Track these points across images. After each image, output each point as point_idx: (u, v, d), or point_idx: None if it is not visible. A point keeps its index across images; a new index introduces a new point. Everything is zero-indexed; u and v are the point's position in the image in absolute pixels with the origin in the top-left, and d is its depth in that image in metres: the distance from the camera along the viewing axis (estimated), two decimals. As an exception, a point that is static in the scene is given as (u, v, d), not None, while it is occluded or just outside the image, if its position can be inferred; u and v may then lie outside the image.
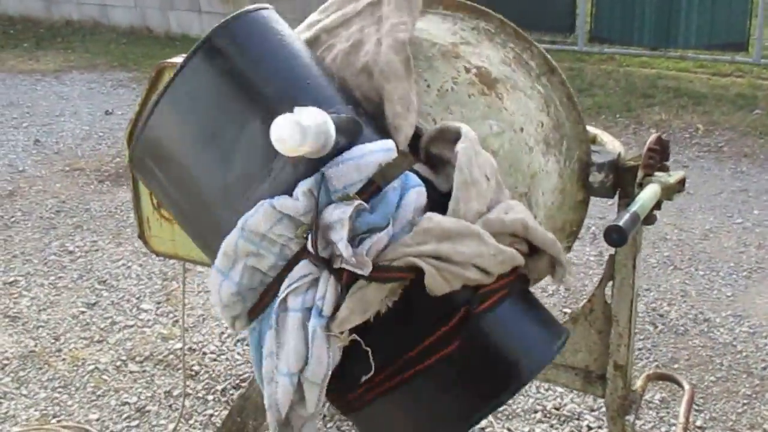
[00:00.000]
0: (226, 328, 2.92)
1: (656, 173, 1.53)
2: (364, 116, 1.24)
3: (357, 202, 1.10)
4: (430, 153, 1.26)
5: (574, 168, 1.58)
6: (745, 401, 2.53)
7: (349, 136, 1.15)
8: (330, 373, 1.13)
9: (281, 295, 1.13)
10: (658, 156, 1.55)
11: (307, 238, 1.12)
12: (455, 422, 1.14)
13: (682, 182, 1.57)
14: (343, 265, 1.09)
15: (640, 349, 2.83)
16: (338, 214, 1.09)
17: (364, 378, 1.12)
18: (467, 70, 1.44)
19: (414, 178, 1.16)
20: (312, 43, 1.44)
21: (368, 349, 1.11)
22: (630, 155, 1.65)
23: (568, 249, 1.65)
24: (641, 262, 3.45)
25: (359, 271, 1.08)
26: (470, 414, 1.14)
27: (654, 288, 3.28)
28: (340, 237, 1.08)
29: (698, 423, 2.43)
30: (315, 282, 1.12)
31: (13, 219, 3.94)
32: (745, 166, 4.75)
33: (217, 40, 1.17)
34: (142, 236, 1.94)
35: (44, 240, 3.70)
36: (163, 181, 1.27)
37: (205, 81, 1.18)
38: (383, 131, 1.23)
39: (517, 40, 1.55)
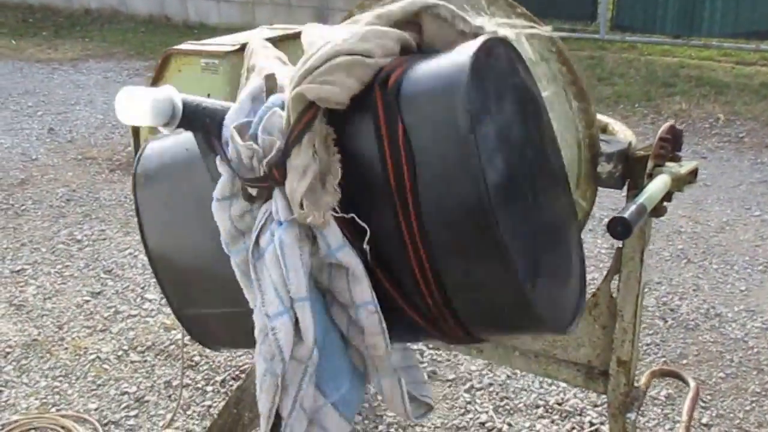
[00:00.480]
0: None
1: (667, 164, 1.49)
2: None
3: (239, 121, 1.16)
4: None
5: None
6: (753, 399, 2.49)
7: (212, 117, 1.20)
8: (306, 280, 1.10)
9: (251, 240, 1.14)
10: (670, 146, 1.50)
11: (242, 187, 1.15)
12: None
13: (694, 173, 1.52)
14: (264, 165, 1.10)
15: (648, 344, 2.79)
16: (226, 135, 1.14)
17: (365, 245, 1.08)
18: None
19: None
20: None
21: (352, 215, 1.08)
22: (642, 145, 1.60)
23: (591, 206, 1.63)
24: (650, 255, 3.40)
25: (274, 152, 1.09)
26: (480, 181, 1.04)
27: (666, 282, 3.23)
28: (243, 147, 1.11)
29: (704, 420, 2.39)
30: (270, 216, 1.13)
31: (23, 207, 3.99)
32: (766, 157, 4.66)
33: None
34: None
35: (53, 228, 3.74)
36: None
37: (155, 198, 1.35)
38: None
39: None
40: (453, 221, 1.03)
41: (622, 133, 1.66)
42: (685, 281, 3.23)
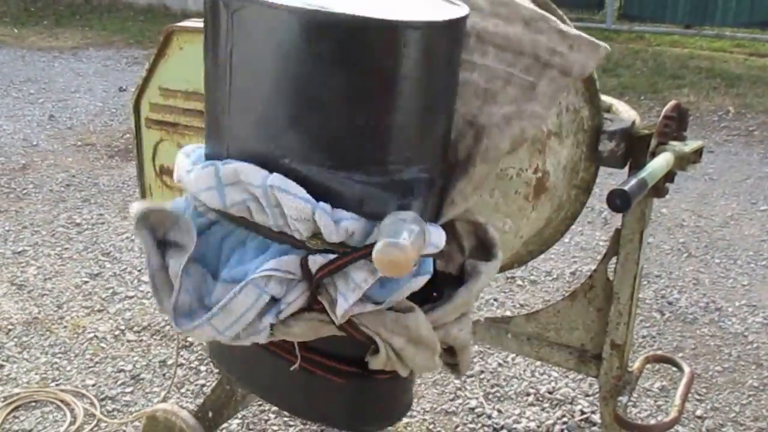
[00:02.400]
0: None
1: (671, 142, 1.47)
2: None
3: (380, 275, 1.04)
4: (448, 224, 1.19)
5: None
6: (751, 393, 2.50)
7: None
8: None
9: (259, 271, 1.07)
10: (675, 124, 1.49)
11: (318, 240, 1.06)
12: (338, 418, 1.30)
13: (698, 152, 1.50)
14: (323, 302, 1.08)
15: (644, 337, 2.83)
16: (363, 277, 1.05)
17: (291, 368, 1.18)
18: (534, 171, 1.40)
19: (429, 266, 1.11)
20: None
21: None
22: (645, 124, 1.58)
23: (582, 206, 1.65)
24: (650, 247, 3.45)
25: (333, 316, 1.07)
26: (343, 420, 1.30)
27: (665, 275, 3.27)
28: (347, 296, 1.05)
29: (698, 412, 2.41)
30: (291, 282, 1.08)
31: (25, 191, 4.11)
32: (776, 151, 4.70)
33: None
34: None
35: (53, 212, 3.85)
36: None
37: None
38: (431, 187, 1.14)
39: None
40: None
41: (625, 112, 1.64)
42: (685, 275, 3.27)
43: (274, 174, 1.04)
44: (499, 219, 1.37)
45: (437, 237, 1.10)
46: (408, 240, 0.95)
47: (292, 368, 1.18)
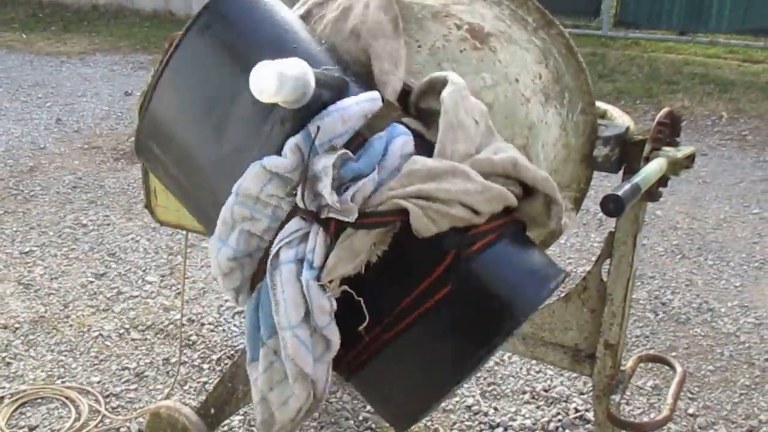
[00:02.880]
0: (225, 300, 3.03)
1: (664, 148, 1.49)
2: (353, 77, 1.25)
3: (342, 151, 1.12)
4: (420, 108, 1.27)
5: (577, 120, 1.53)
6: (742, 391, 2.51)
7: (333, 91, 1.16)
8: (333, 321, 1.14)
9: (273, 250, 1.14)
10: (668, 130, 1.51)
11: (296, 195, 1.13)
12: (451, 370, 1.14)
13: (691, 158, 1.53)
14: (330, 214, 1.10)
15: (637, 336, 2.83)
16: (324, 163, 1.10)
17: (360, 329, 1.14)
18: (458, 27, 1.43)
19: (401, 128, 1.17)
20: (305, 18, 1.46)
21: (360, 299, 1.12)
22: (639, 130, 1.59)
23: (578, 203, 1.63)
24: (644, 249, 3.45)
25: (345, 219, 1.09)
26: (465, 359, 1.14)
27: (659, 276, 3.27)
28: (324, 186, 1.09)
29: (690, 411, 2.41)
30: (306, 236, 1.13)
31: (32, 193, 4.12)
32: (769, 155, 4.69)
33: (207, 17, 1.23)
34: (148, 206, 1.99)
35: (60, 213, 3.86)
36: (165, 162, 1.33)
37: (199, 55, 1.23)
38: (372, 89, 1.24)
39: None
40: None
41: (620, 118, 1.65)
42: (678, 276, 3.27)
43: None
44: (473, 79, 1.36)
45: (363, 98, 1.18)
46: (275, 69, 1.06)
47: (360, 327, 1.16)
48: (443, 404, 2.44)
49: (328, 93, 1.16)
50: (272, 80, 1.06)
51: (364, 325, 1.13)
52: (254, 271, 1.22)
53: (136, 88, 5.96)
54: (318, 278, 1.12)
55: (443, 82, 1.23)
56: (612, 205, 1.19)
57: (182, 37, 1.23)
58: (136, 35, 7.87)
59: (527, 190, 1.24)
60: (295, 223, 1.15)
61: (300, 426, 1.25)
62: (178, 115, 1.27)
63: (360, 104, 1.17)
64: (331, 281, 1.13)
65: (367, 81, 1.28)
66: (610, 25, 7.09)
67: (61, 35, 8.03)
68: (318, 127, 1.14)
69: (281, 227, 1.16)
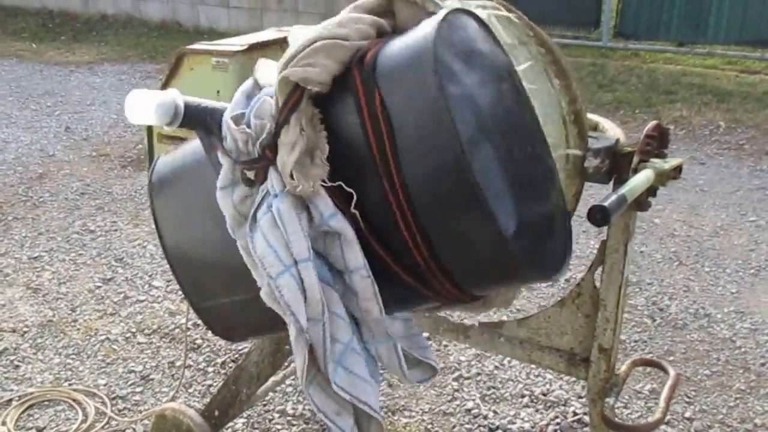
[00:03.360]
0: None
1: (652, 159, 1.52)
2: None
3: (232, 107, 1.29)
4: None
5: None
6: (738, 396, 2.52)
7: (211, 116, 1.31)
8: (306, 242, 1.17)
9: (249, 216, 1.22)
10: (656, 143, 1.53)
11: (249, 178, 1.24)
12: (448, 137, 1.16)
13: (678, 169, 1.55)
14: (257, 145, 1.21)
15: (635, 341, 2.84)
16: (224, 128, 1.25)
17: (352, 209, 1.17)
18: None
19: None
20: None
21: (337, 183, 1.17)
22: (629, 142, 1.62)
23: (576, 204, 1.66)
24: (642, 256, 3.47)
25: (265, 134, 1.19)
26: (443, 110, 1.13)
27: (656, 282, 3.28)
28: (234, 136, 1.23)
29: (687, 414, 2.42)
30: (267, 194, 1.21)
31: (41, 199, 4.14)
32: (766, 164, 4.68)
33: (153, 185, 1.47)
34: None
35: (68, 219, 3.89)
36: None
37: (170, 203, 1.44)
38: None
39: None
40: (432, 175, 1.09)
41: (611, 130, 1.68)
42: (675, 282, 3.27)
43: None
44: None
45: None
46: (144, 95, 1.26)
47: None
48: (443, 408, 2.45)
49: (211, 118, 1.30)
50: (149, 107, 1.24)
51: (353, 203, 1.15)
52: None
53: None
54: (284, 195, 1.18)
55: None
56: (599, 215, 1.22)
57: (150, 199, 1.47)
58: (144, 45, 7.92)
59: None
60: (259, 193, 1.23)
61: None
62: (187, 236, 1.43)
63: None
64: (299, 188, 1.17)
65: None
66: (609, 36, 7.11)
67: (71, 45, 8.08)
68: (217, 125, 1.28)
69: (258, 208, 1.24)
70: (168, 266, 1.46)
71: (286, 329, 1.23)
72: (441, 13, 1.18)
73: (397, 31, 1.29)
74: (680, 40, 6.85)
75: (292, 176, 1.16)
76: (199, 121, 1.29)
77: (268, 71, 1.43)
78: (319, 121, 1.18)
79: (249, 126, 1.23)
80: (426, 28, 1.16)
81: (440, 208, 1.11)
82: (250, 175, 1.24)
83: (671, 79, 6.27)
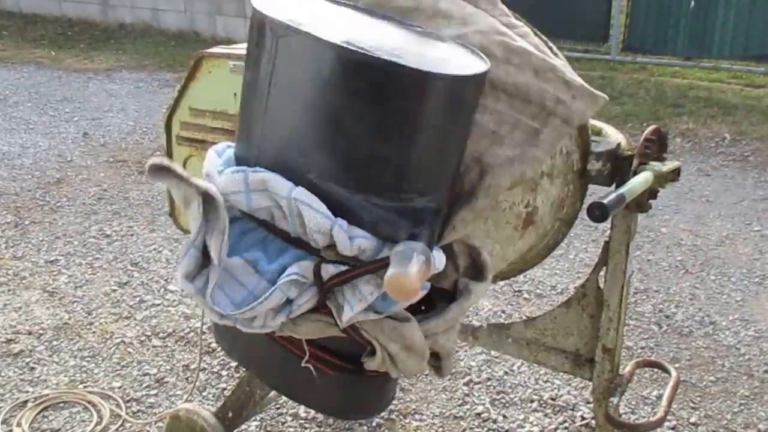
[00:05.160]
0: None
1: (651, 162, 1.55)
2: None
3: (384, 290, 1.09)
4: (446, 245, 1.26)
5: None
6: (742, 402, 2.52)
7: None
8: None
9: (285, 276, 1.11)
10: (655, 146, 1.57)
11: (330, 250, 1.11)
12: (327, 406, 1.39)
13: (676, 172, 1.59)
14: (330, 305, 1.14)
15: (642, 348, 2.84)
16: (370, 290, 1.11)
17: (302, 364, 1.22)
18: (526, 206, 1.48)
19: (425, 284, 1.17)
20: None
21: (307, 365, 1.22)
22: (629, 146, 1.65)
23: (564, 236, 1.71)
24: (649, 264, 3.45)
25: (339, 321, 1.14)
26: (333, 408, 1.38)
27: (663, 290, 3.28)
28: (353, 304, 1.12)
29: (692, 419, 2.43)
30: (303, 285, 1.13)
31: (58, 204, 4.16)
32: (770, 175, 4.69)
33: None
34: (172, 215, 2.04)
35: (85, 224, 3.90)
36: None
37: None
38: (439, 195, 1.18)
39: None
40: None
41: (613, 135, 1.71)
42: (682, 290, 3.27)
43: (299, 188, 1.09)
44: (489, 244, 1.42)
45: (439, 261, 1.17)
46: (416, 268, 1.02)
47: (302, 363, 1.22)
48: (454, 411, 2.44)
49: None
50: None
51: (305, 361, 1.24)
52: None
53: (151, 109, 6.01)
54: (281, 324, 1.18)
55: (481, 266, 1.30)
56: (598, 212, 1.27)
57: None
58: (162, 54, 7.96)
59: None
60: (305, 267, 1.12)
61: None
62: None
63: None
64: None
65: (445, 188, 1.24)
66: (618, 50, 7.13)
67: (89, 52, 8.13)
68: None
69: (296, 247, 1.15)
70: None
71: None
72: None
73: None
74: (687, 54, 6.88)
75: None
76: None
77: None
78: None
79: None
80: None
81: None
82: (316, 277, 1.14)
83: (678, 93, 6.27)
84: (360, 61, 1.03)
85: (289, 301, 1.13)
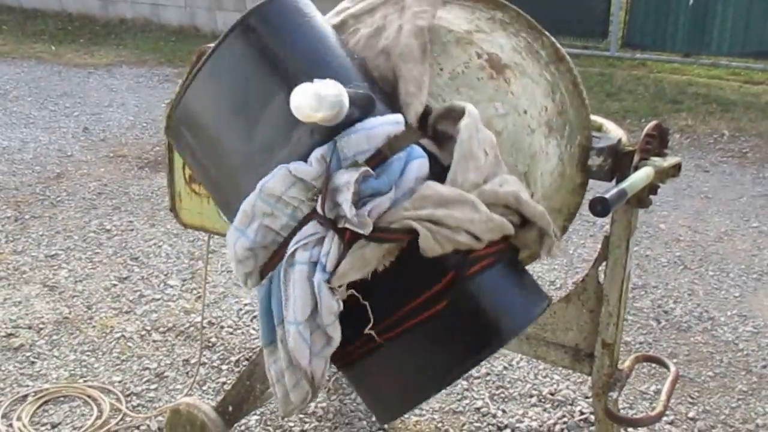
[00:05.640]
0: (245, 304, 3.04)
1: (652, 158, 1.55)
2: (379, 94, 1.32)
3: (364, 168, 1.19)
4: (436, 130, 1.34)
5: (574, 153, 1.60)
6: (740, 397, 2.53)
7: (362, 110, 1.23)
8: (337, 320, 1.20)
9: (290, 250, 1.21)
10: (656, 142, 1.57)
11: (316, 201, 1.21)
12: (439, 375, 1.21)
13: (677, 167, 1.59)
14: (347, 225, 1.17)
15: (641, 343, 2.84)
16: (346, 178, 1.17)
17: (367, 330, 1.19)
18: (479, 56, 1.49)
19: (419, 151, 1.24)
20: (339, 27, 1.52)
21: (366, 303, 1.19)
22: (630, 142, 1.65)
23: (565, 229, 1.69)
24: (648, 260, 3.45)
25: (360, 231, 1.16)
26: (453, 368, 1.21)
27: (662, 286, 3.28)
28: (345, 198, 1.16)
29: (690, 414, 2.43)
30: (321, 240, 1.20)
31: (58, 199, 4.14)
32: (768, 171, 4.69)
33: (252, 20, 1.29)
34: (173, 209, 2.03)
35: (85, 219, 3.89)
36: (195, 149, 1.39)
37: (238, 57, 1.29)
38: (395, 108, 1.31)
39: (530, 30, 1.60)
40: None
41: (613, 131, 1.71)
42: (680, 286, 3.27)
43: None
44: (486, 107, 1.43)
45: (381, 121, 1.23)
46: (314, 90, 1.13)
47: (366, 330, 1.20)
48: (453, 406, 2.44)
49: (358, 111, 1.22)
50: (312, 101, 1.13)
51: (369, 327, 1.19)
52: (266, 262, 1.28)
53: (151, 104, 5.99)
54: (329, 281, 1.18)
55: (461, 112, 1.30)
56: (599, 207, 1.27)
57: (227, 35, 1.29)
58: (162, 49, 7.93)
59: (524, 221, 1.32)
60: (312, 227, 1.21)
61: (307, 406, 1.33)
62: (212, 108, 1.33)
63: (385, 126, 1.23)
64: (339, 285, 1.19)
65: (391, 98, 1.34)
66: (617, 46, 7.12)
67: (89, 47, 8.10)
68: (344, 143, 1.20)
69: (299, 227, 1.22)
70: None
71: (224, 210, 1.38)
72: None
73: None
74: (686, 50, 6.88)
75: (339, 285, 1.19)
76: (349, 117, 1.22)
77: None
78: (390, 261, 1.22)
79: (363, 196, 1.19)
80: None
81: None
82: (319, 218, 1.21)
83: (677, 89, 6.27)
84: None
85: (314, 264, 1.20)
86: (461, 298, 1.20)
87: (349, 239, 1.18)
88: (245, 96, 1.27)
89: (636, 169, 1.53)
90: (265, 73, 1.27)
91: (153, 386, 2.52)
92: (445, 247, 1.18)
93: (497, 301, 1.25)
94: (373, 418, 2.36)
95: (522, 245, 1.35)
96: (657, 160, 1.55)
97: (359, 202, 1.18)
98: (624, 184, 1.38)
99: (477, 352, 1.21)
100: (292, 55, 1.27)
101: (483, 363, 2.66)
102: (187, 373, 2.58)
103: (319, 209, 1.20)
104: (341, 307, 1.20)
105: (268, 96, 1.24)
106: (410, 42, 1.38)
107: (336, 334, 1.22)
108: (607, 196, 1.28)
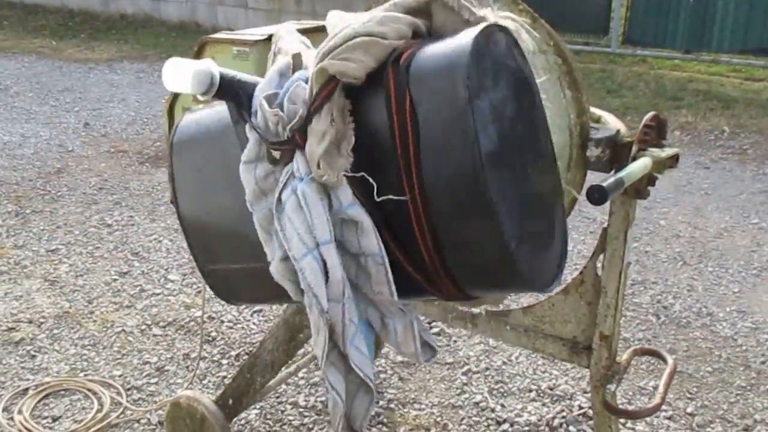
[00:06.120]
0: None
1: (650, 149, 1.55)
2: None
3: (263, 83, 1.28)
4: None
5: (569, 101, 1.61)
6: (739, 392, 2.53)
7: (243, 89, 1.30)
8: (328, 226, 1.19)
9: (275, 195, 1.23)
10: (654, 133, 1.57)
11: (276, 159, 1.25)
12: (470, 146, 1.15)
13: (674, 158, 1.59)
14: (288, 129, 1.21)
15: (640, 339, 2.83)
16: (256, 106, 1.23)
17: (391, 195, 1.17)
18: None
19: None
20: None
21: (362, 174, 1.19)
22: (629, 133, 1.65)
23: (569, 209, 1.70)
24: (647, 256, 3.44)
25: (297, 120, 1.20)
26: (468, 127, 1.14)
27: (661, 281, 3.28)
28: (268, 115, 1.21)
29: (689, 410, 2.43)
30: (292, 175, 1.22)
31: (59, 194, 4.15)
32: (768, 168, 4.70)
33: (176, 144, 1.46)
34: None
35: (86, 213, 3.89)
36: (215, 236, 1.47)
37: (190, 161, 1.45)
38: None
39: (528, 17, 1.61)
40: (450, 182, 1.12)
41: (612, 122, 1.71)
42: (680, 282, 3.27)
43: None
44: None
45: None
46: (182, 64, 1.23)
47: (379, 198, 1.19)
48: (453, 401, 2.44)
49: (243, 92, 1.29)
50: (187, 74, 1.21)
51: (375, 192, 1.17)
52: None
53: (152, 100, 5.99)
54: (311, 181, 1.20)
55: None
56: (597, 195, 1.28)
57: (169, 159, 1.47)
58: (163, 44, 7.94)
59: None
60: (283, 173, 1.24)
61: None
62: (203, 201, 1.44)
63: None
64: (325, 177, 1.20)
65: None
66: (618, 43, 7.13)
67: (90, 43, 8.10)
68: (247, 98, 1.27)
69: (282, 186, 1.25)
70: (183, 260, 1.46)
71: (289, 300, 1.30)
72: (478, 27, 1.19)
73: (433, 33, 1.31)
74: (686, 47, 6.88)
75: (318, 165, 1.19)
76: (233, 93, 1.28)
77: (296, 44, 1.43)
78: (348, 113, 1.20)
79: (282, 108, 1.24)
80: (462, 39, 1.17)
81: (453, 213, 1.14)
82: (276, 155, 1.26)
83: (678, 86, 6.26)
84: None
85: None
86: (416, 79, 1.18)
87: (300, 139, 1.21)
88: (212, 176, 1.41)
89: (634, 159, 1.53)
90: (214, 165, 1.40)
91: (153, 380, 2.52)
92: (365, 62, 1.18)
93: (443, 57, 1.22)
94: (372, 412, 2.37)
95: (440, 27, 1.33)
96: (655, 151, 1.55)
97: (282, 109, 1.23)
98: (621, 174, 1.38)
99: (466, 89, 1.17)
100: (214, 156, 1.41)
101: (482, 358, 2.68)
102: (188, 367, 2.59)
103: (266, 144, 1.24)
104: (348, 196, 1.20)
105: (227, 174, 1.33)
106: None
107: (363, 217, 1.19)
108: (604, 184, 1.29)
